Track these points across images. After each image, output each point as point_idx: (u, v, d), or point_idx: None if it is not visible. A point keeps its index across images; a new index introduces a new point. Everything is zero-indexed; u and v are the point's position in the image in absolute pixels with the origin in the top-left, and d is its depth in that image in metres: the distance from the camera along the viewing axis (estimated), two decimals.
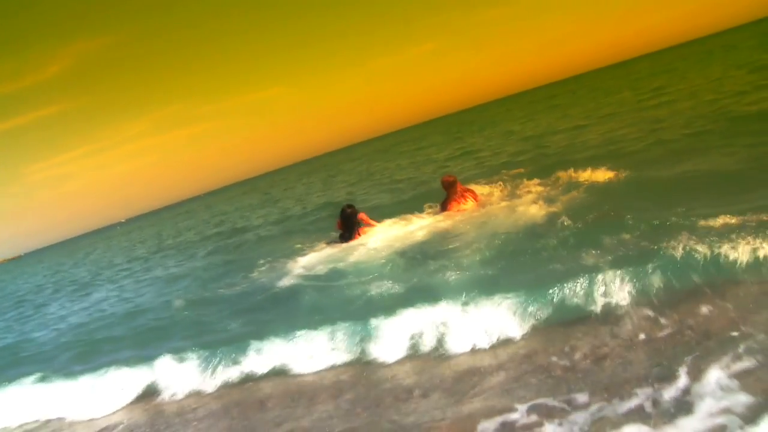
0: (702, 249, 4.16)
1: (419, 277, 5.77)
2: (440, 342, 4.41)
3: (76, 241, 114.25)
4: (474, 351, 4.18)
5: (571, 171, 8.48)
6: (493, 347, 4.13)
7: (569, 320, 4.11)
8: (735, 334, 3.28)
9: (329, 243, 8.81)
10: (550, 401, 3.26)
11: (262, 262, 9.30)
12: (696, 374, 3.04)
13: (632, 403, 3.00)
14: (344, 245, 8.16)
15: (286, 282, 7.32)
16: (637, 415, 2.90)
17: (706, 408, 2.79)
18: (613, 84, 37.45)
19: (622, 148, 10.32)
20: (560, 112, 25.88)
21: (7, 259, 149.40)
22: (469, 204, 8.04)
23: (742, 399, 2.76)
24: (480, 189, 8.89)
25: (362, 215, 8.48)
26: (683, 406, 2.85)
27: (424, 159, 22.52)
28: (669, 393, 2.97)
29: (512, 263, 5.35)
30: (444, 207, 8.16)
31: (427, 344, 4.45)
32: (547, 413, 3.16)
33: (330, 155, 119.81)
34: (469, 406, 3.48)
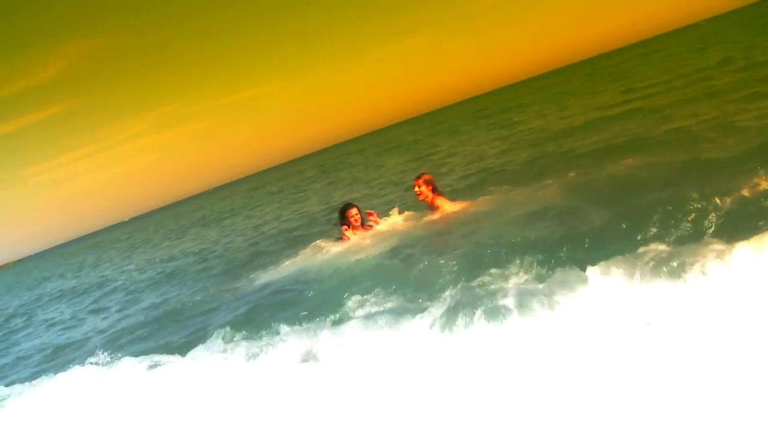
0: None
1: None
2: None
3: (79, 242, 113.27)
4: None
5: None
6: None
7: None
8: None
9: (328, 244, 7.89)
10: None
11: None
12: None
13: None
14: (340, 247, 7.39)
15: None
16: None
17: None
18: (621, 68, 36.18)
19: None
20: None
21: (13, 262, 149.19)
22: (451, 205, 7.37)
23: None
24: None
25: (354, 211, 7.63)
26: None
27: (427, 152, 21.70)
28: None
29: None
30: (432, 206, 7.38)
31: None
32: None
33: (334, 149, 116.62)
34: None
